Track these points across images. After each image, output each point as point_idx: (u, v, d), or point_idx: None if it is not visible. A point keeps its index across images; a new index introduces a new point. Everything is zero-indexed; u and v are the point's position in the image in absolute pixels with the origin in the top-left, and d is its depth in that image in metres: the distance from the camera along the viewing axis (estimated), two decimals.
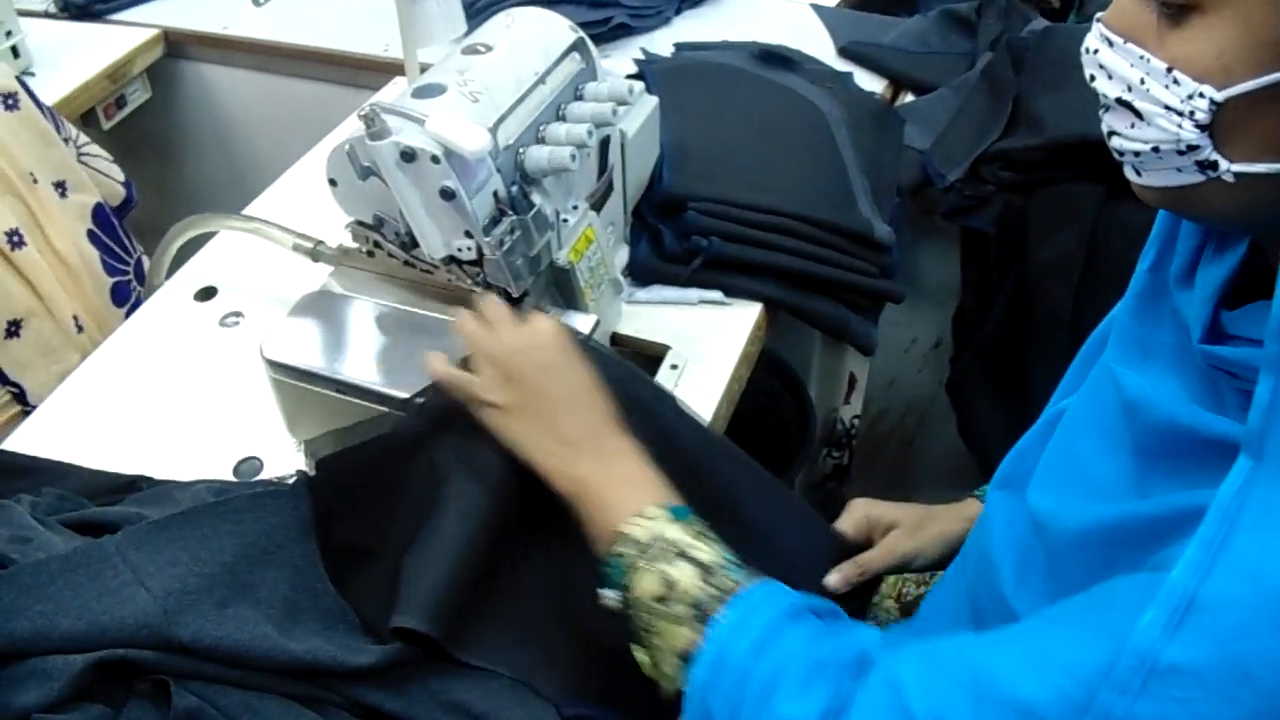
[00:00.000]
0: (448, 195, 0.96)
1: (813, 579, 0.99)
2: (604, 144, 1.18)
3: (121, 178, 1.62)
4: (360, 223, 1.07)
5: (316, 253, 1.16)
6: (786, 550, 0.99)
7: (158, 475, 1.09)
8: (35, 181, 1.37)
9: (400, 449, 0.90)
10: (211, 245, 1.43)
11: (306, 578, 0.85)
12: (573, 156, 1.03)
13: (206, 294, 1.36)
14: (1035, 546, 0.80)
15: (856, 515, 1.06)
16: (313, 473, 0.90)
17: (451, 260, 1.04)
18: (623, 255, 1.33)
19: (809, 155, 1.48)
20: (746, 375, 1.27)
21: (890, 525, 1.05)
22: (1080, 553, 0.72)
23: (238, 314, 1.32)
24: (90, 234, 1.45)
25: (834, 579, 1.00)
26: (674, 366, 1.22)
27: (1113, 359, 0.77)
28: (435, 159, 0.95)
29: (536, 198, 1.06)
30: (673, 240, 1.30)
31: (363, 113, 0.95)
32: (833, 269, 1.35)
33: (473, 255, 1.01)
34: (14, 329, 1.29)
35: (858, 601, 1.06)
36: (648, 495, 0.82)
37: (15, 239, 1.28)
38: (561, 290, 1.14)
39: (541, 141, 1.07)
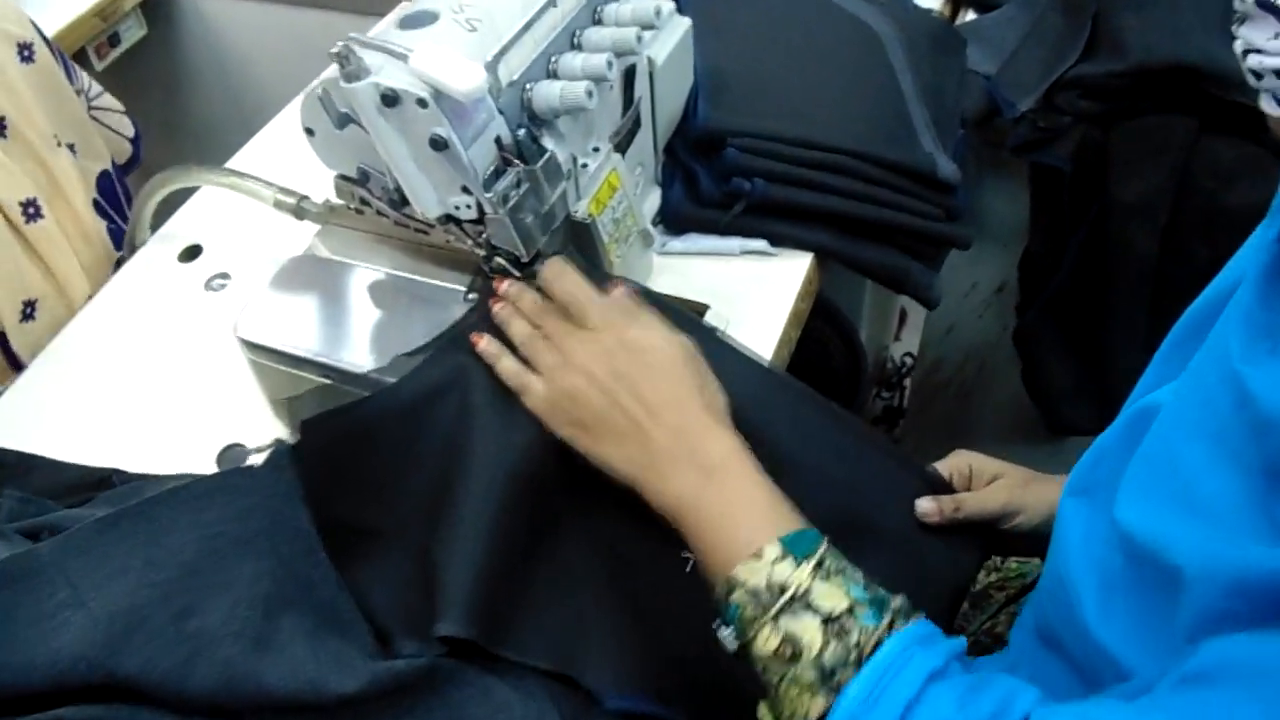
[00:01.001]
0: (439, 145, 0.79)
1: (901, 521, 0.88)
2: (628, 74, 1.00)
3: (131, 133, 1.44)
4: (344, 177, 0.90)
5: (300, 210, 0.98)
6: (869, 494, 0.87)
7: (134, 466, 0.94)
8: (59, 145, 1.19)
9: (407, 404, 0.78)
10: (197, 198, 1.26)
11: (296, 566, 0.71)
12: (589, 93, 0.84)
13: (191, 253, 1.20)
14: (1123, 568, 0.66)
15: (957, 461, 0.95)
16: (296, 439, 0.75)
17: (449, 219, 0.86)
18: (653, 199, 1.15)
19: (862, 82, 1.28)
20: (796, 336, 1.09)
21: (994, 476, 0.93)
22: (1192, 591, 0.57)
23: (224, 275, 1.16)
24: (95, 204, 1.27)
25: (927, 505, 0.88)
26: (713, 328, 1.04)
27: (1237, 354, 0.60)
28: (422, 102, 0.77)
29: (548, 142, 0.88)
30: (710, 182, 1.11)
31: (335, 49, 0.77)
32: (891, 212, 1.16)
33: (473, 213, 0.84)
34: (29, 311, 1.12)
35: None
36: (762, 525, 0.69)
37: (31, 210, 1.11)
38: (581, 247, 0.96)
39: (553, 75, 0.88)
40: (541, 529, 0.76)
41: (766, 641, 0.64)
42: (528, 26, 0.86)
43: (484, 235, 0.86)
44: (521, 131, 0.85)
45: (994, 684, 0.61)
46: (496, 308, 0.82)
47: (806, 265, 1.12)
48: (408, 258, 0.94)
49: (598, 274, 0.92)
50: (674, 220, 1.12)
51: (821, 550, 0.67)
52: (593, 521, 0.79)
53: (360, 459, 0.77)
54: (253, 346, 0.89)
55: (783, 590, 0.64)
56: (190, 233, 1.22)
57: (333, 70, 0.80)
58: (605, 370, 0.75)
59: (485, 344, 0.80)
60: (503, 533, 0.72)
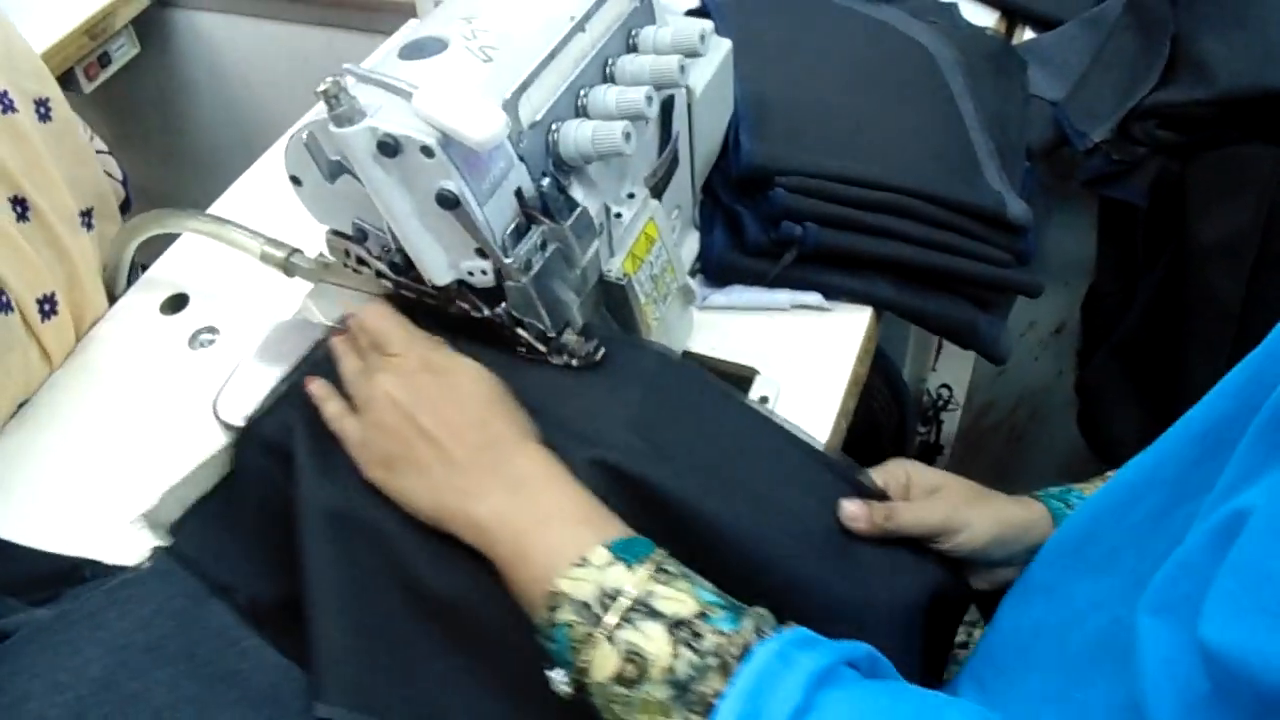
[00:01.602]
0: (448, 201, 0.64)
1: (823, 527, 0.73)
2: (665, 106, 0.85)
3: (119, 175, 1.27)
4: (337, 233, 0.75)
5: (290, 266, 0.84)
6: (786, 510, 0.71)
7: (110, 547, 0.81)
8: (81, 224, 1.03)
9: (252, 467, 0.73)
10: (186, 239, 1.11)
11: (219, 663, 0.67)
12: (627, 136, 0.69)
13: (176, 304, 1.05)
14: (1210, 695, 0.53)
15: (894, 469, 0.79)
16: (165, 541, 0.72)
17: (461, 287, 0.72)
18: (691, 246, 1.00)
19: (920, 110, 1.13)
20: (854, 405, 0.94)
21: (935, 489, 0.78)
22: None
23: (212, 330, 1.01)
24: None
25: (853, 509, 0.72)
26: (764, 399, 0.89)
27: None
28: (428, 151, 0.62)
29: (578, 193, 0.73)
30: (756, 227, 0.97)
31: (323, 87, 0.62)
32: (958, 259, 1.01)
33: (489, 280, 0.69)
34: None
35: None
36: (584, 531, 0.60)
37: (47, 307, 0.96)
38: (614, 310, 0.81)
39: (582, 113, 0.74)
40: (387, 586, 0.67)
41: (604, 663, 0.55)
42: (552, 55, 0.71)
43: (504, 306, 0.71)
44: (546, 181, 0.70)
45: (913, 694, 0.52)
46: (333, 341, 0.74)
47: (866, 322, 0.97)
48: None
49: (630, 341, 0.77)
50: (715, 270, 0.98)
51: (658, 555, 0.59)
52: (443, 573, 0.67)
53: (239, 536, 0.72)
54: (234, 430, 0.74)
55: (616, 596, 0.55)
56: (176, 279, 1.08)
57: (321, 110, 0.65)
58: (406, 394, 0.67)
59: (315, 387, 0.72)
60: (342, 593, 0.65)
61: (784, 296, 0.96)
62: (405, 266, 0.71)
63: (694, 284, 0.88)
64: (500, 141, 0.65)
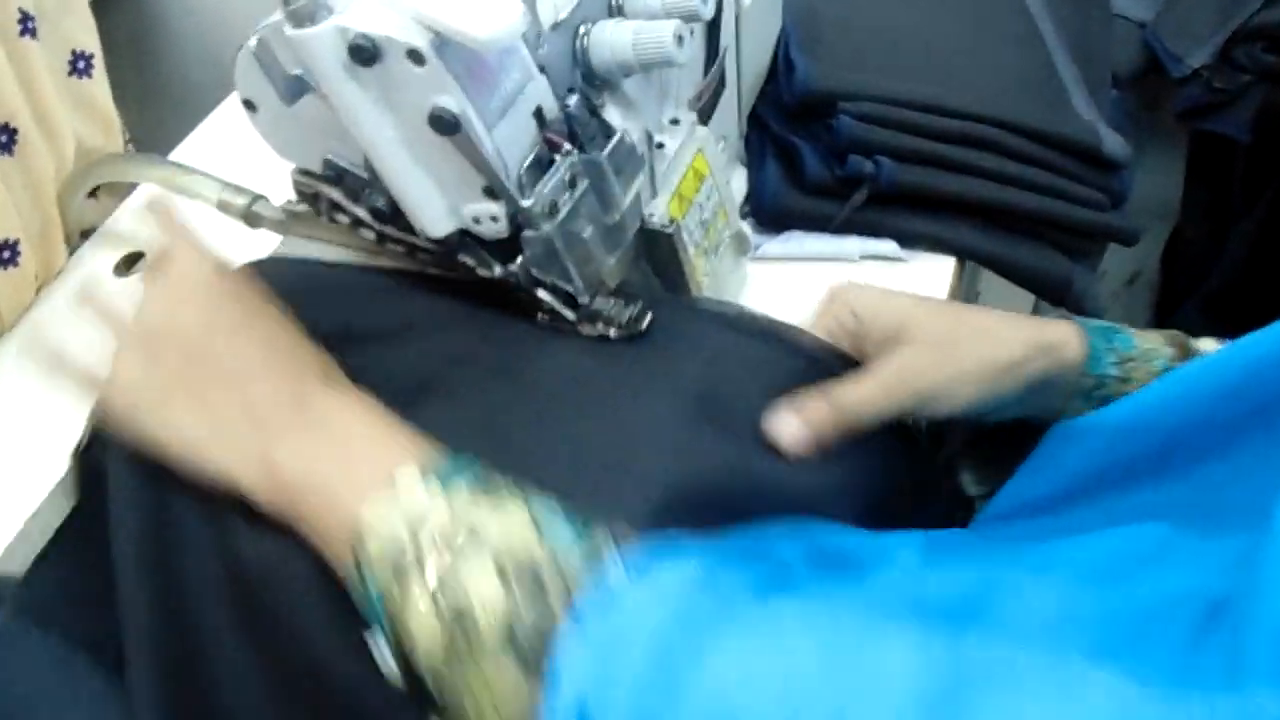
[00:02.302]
0: (446, 124, 0.46)
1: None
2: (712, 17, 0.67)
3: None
4: (306, 172, 0.57)
5: (252, 216, 0.66)
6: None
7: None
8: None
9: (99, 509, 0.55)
10: (143, 190, 0.93)
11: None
12: (680, 40, 0.52)
13: (132, 262, 0.88)
14: None
15: (835, 308, 0.60)
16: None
17: (465, 239, 0.54)
18: (738, 184, 0.83)
19: (995, 28, 0.94)
20: None
21: (892, 335, 0.55)
22: None
23: None
24: None
25: (783, 425, 0.53)
26: None
27: None
28: (416, 56, 0.45)
29: (613, 115, 0.55)
30: (816, 162, 0.79)
31: None
32: (1052, 200, 0.83)
33: (502, 229, 0.52)
34: None
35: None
36: (394, 454, 0.46)
37: (6, 255, 0.79)
38: (656, 263, 0.63)
39: (618, 12, 0.56)
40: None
41: (421, 621, 0.40)
42: None
43: (519, 262, 0.53)
44: (573, 100, 0.52)
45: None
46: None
47: (949, 274, 0.79)
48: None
49: (681, 303, 0.60)
50: (769, 214, 0.80)
51: (479, 470, 0.45)
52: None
53: (95, 580, 0.55)
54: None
55: (431, 520, 0.42)
56: (134, 235, 0.90)
57: (277, 10, 0.48)
58: (193, 313, 0.51)
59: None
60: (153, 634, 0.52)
61: (853, 245, 0.78)
62: (391, 213, 0.54)
63: (748, 230, 0.71)
64: (514, 44, 0.47)
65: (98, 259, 0.88)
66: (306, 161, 0.56)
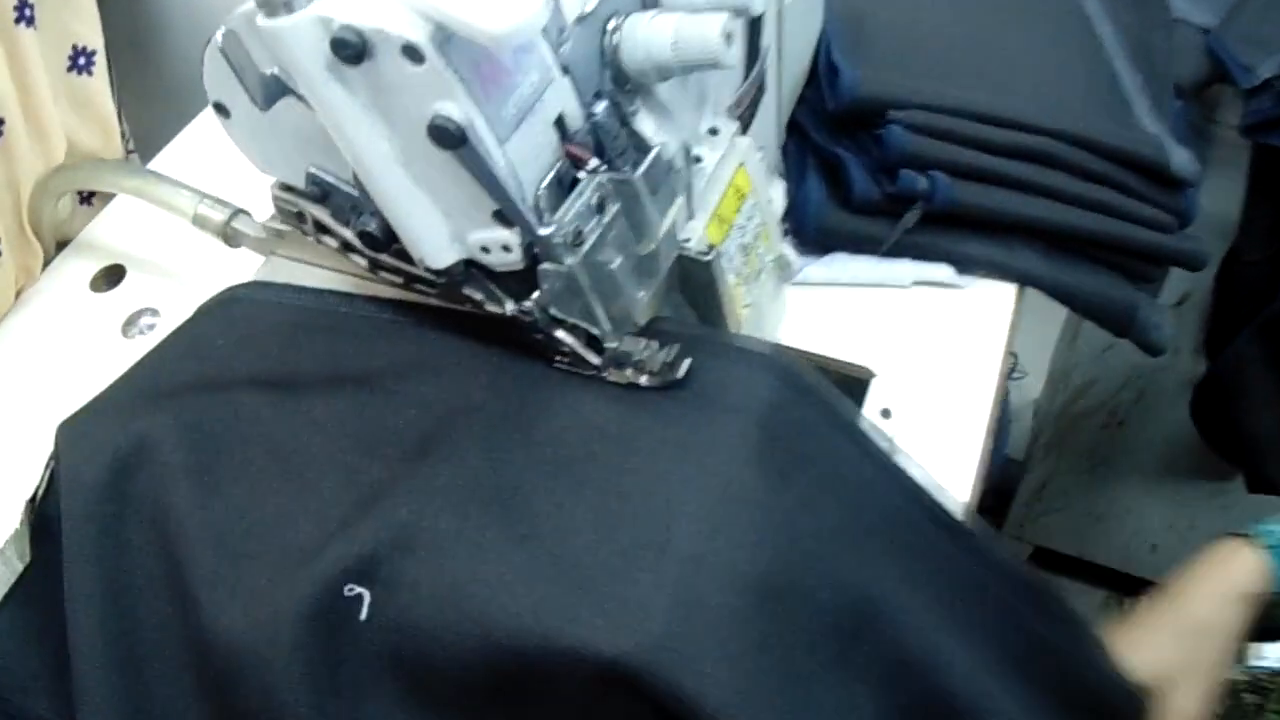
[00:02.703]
0: (449, 137, 0.38)
1: None
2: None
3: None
4: (288, 188, 0.49)
5: (231, 234, 0.57)
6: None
7: None
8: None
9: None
10: (124, 200, 0.85)
11: None
12: (728, 37, 0.43)
13: (111, 278, 0.79)
14: None
15: None
16: None
17: (472, 270, 0.45)
18: (776, 197, 0.74)
19: (1050, 32, 0.85)
20: (999, 419, 0.67)
21: None
22: None
23: (152, 313, 0.76)
24: None
25: None
26: (885, 413, 0.63)
27: None
28: (413, 53, 0.36)
29: (647, 123, 0.46)
30: (864, 177, 0.70)
31: None
32: (1117, 222, 0.74)
33: (516, 260, 0.43)
34: None
35: None
36: None
37: None
38: (691, 294, 0.54)
39: (653, 4, 0.47)
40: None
41: None
42: None
43: (536, 298, 0.44)
44: (601, 107, 0.43)
45: None
46: None
47: (1009, 302, 0.71)
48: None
49: (722, 342, 0.51)
50: (812, 233, 0.71)
51: None
52: None
53: (49, 649, 0.49)
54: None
55: None
56: (113, 244, 0.81)
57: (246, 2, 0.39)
58: None
59: None
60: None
61: (905, 269, 0.69)
62: (385, 238, 0.45)
63: (791, 252, 0.62)
64: (532, 40, 0.38)
65: (74, 271, 0.79)
66: (288, 175, 0.47)
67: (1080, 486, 1.37)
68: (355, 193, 0.45)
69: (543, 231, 0.40)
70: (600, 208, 0.42)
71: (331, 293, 0.52)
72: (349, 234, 0.46)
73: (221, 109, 0.46)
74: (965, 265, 0.71)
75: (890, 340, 0.67)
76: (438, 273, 0.45)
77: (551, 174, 0.42)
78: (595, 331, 0.44)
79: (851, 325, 0.69)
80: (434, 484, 0.43)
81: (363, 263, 0.48)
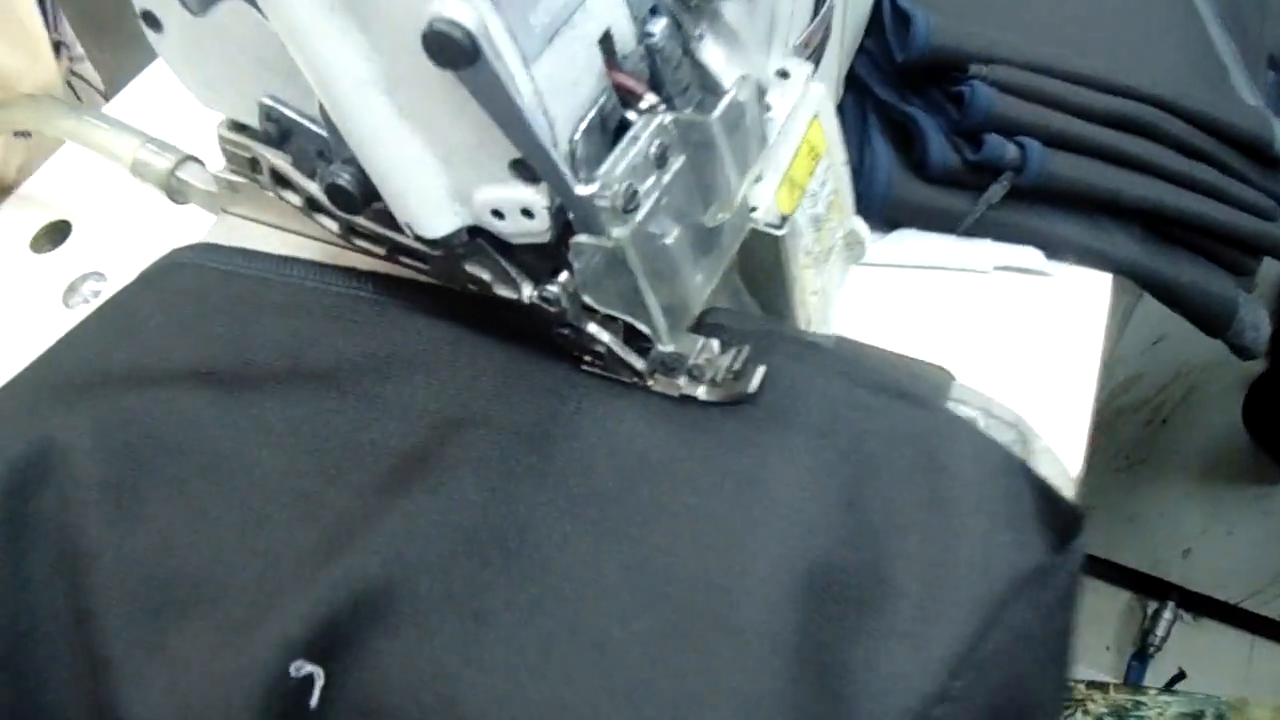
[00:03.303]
0: (454, 49, 0.25)
1: None
2: None
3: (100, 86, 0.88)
4: (238, 126, 0.36)
5: (176, 186, 0.45)
6: None
7: None
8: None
9: None
10: (70, 150, 0.72)
11: None
12: None
13: (55, 235, 0.67)
14: None
15: None
16: None
17: (478, 242, 0.33)
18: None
19: None
20: (1093, 436, 0.56)
21: None
22: None
23: (98, 278, 0.64)
24: None
25: None
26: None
27: None
28: None
29: (713, 53, 0.34)
30: (941, 141, 0.57)
31: None
32: (1219, 206, 0.62)
33: (541, 229, 0.30)
34: None
35: None
36: None
37: None
38: (751, 276, 0.42)
39: None
40: None
41: None
42: None
43: (564, 282, 0.32)
44: (660, 25, 0.31)
45: None
46: None
47: (1105, 296, 0.59)
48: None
49: (789, 338, 0.38)
50: (877, 205, 0.58)
51: None
52: None
53: None
54: None
55: None
56: (58, 198, 0.69)
57: None
58: None
59: None
60: None
61: (986, 252, 0.57)
62: (362, 195, 0.32)
63: (864, 227, 0.50)
64: None
65: (13, 226, 0.67)
66: (237, 108, 0.35)
67: (1115, 485, 1.26)
68: (323, 132, 0.32)
69: (582, 191, 0.28)
70: (661, 161, 0.30)
71: (296, 261, 0.40)
72: (314, 188, 0.34)
73: (150, 19, 0.34)
74: (1054, 249, 0.59)
75: (965, 335, 0.56)
76: (431, 243, 0.32)
77: (594, 111, 0.29)
78: (644, 327, 0.32)
79: (919, 316, 0.57)
80: (416, 526, 0.32)
81: (333, 226, 0.36)
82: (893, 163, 0.58)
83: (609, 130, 0.30)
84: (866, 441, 0.33)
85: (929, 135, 0.57)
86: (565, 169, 0.28)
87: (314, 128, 0.33)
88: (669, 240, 0.31)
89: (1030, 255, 0.57)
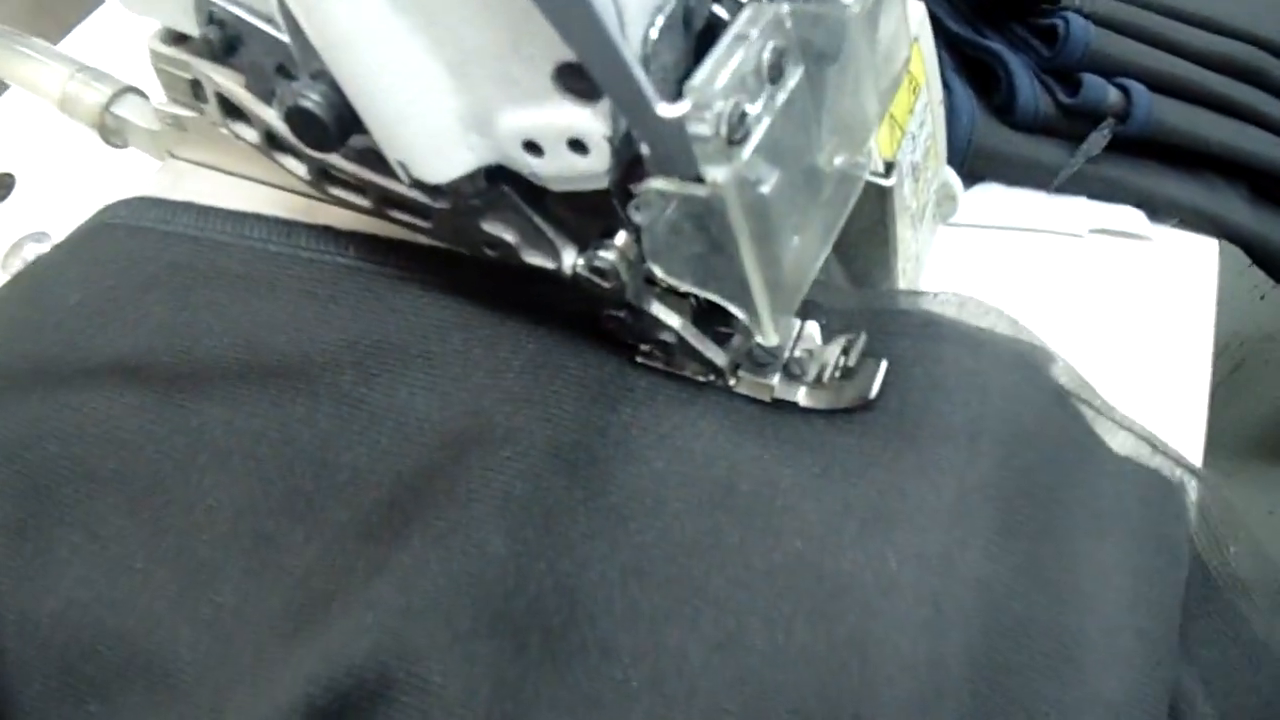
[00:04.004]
0: None
1: None
2: None
3: None
4: (175, 35, 0.26)
5: (112, 125, 0.34)
6: None
7: None
8: None
9: None
10: (12, 94, 0.61)
11: None
12: None
13: None
14: None
15: None
16: None
17: (498, 186, 0.23)
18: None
19: None
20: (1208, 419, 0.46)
21: None
22: None
23: (39, 238, 0.53)
24: None
25: None
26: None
27: None
28: None
29: None
30: (1031, 81, 0.47)
31: None
32: None
33: (597, 168, 0.20)
34: None
35: None
36: None
37: None
38: (850, 245, 0.32)
39: None
40: None
41: None
42: None
43: (623, 246, 0.22)
44: None
45: None
46: None
47: (1212, 262, 0.49)
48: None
49: (905, 319, 0.29)
50: (959, 155, 0.48)
51: None
52: None
53: None
54: None
55: None
56: (2, 147, 0.59)
57: None
58: None
59: None
60: None
61: (1079, 211, 0.47)
62: (338, 125, 0.22)
63: (956, 181, 0.40)
64: None
65: None
66: (172, 11, 0.25)
67: None
68: (283, 37, 0.22)
69: (667, 112, 0.18)
70: (776, 73, 0.20)
71: (257, 218, 0.30)
72: (272, 116, 0.24)
73: None
74: (1157, 211, 0.49)
75: (1059, 305, 0.46)
76: (435, 191, 0.22)
77: (674, 1, 0.19)
78: (739, 312, 0.22)
79: (1002, 283, 0.47)
80: (418, 590, 0.22)
81: (301, 169, 0.26)
82: (974, 107, 0.48)
83: (692, 32, 0.20)
84: (1023, 441, 0.24)
85: (1017, 75, 0.47)
86: (642, 78, 0.18)
87: (271, 31, 0.23)
88: (768, 188, 0.21)
89: (1131, 216, 0.48)
